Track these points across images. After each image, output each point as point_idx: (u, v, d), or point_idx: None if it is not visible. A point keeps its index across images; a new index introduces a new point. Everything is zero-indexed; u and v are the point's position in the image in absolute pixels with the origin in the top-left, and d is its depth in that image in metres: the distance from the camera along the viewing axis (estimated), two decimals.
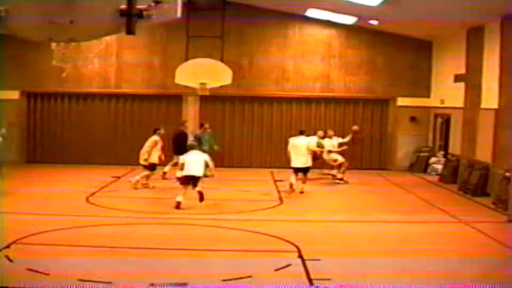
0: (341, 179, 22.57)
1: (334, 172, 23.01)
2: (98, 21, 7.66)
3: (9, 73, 24.53)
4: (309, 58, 26.89)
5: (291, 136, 21.45)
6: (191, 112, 26.63)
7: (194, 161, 17.36)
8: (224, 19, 26.19)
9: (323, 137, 22.75)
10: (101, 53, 24.95)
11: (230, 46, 26.30)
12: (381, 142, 27.26)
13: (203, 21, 25.91)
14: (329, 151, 22.61)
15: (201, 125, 23.94)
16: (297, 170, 19.99)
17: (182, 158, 17.65)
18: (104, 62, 26.26)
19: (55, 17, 7.45)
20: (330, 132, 23.44)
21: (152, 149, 20.07)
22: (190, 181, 17.27)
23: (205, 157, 17.72)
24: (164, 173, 21.96)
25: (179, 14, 7.98)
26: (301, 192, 19.94)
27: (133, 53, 26.56)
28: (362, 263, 11.75)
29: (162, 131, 20.74)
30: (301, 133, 20.63)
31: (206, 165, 17.58)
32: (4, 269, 10.40)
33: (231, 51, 26.24)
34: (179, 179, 17.73)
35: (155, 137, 20.34)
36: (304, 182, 20.12)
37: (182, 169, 17.34)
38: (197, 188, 17.18)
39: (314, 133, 22.63)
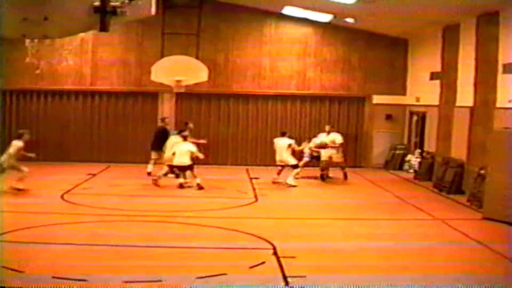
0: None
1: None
2: (72, 18, 7.60)
3: None
4: (285, 55, 26.87)
5: (276, 136, 22.59)
6: (166, 109, 26.50)
7: (183, 151, 19.88)
8: (200, 16, 26.14)
9: (328, 132, 23.47)
10: (76, 50, 24.79)
11: (206, 43, 26.22)
12: (356, 139, 27.32)
13: (179, 18, 25.87)
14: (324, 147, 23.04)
15: (185, 124, 23.56)
16: (281, 166, 21.63)
17: (174, 148, 20.16)
18: (79, 59, 26.00)
19: (29, 13, 7.38)
20: (327, 128, 23.77)
21: None
22: (182, 169, 19.96)
23: (191, 147, 20.11)
24: (149, 173, 21.98)
25: (153, 11, 7.96)
26: (289, 186, 20.84)
27: (108, 50, 26.38)
28: (337, 261, 11.77)
29: (186, 133, 21.28)
30: (283, 134, 22.12)
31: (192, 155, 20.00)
32: None
33: (207, 48, 26.17)
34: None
35: (180, 139, 20.81)
36: (293, 177, 21.23)
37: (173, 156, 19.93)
38: (198, 181, 19.75)
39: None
